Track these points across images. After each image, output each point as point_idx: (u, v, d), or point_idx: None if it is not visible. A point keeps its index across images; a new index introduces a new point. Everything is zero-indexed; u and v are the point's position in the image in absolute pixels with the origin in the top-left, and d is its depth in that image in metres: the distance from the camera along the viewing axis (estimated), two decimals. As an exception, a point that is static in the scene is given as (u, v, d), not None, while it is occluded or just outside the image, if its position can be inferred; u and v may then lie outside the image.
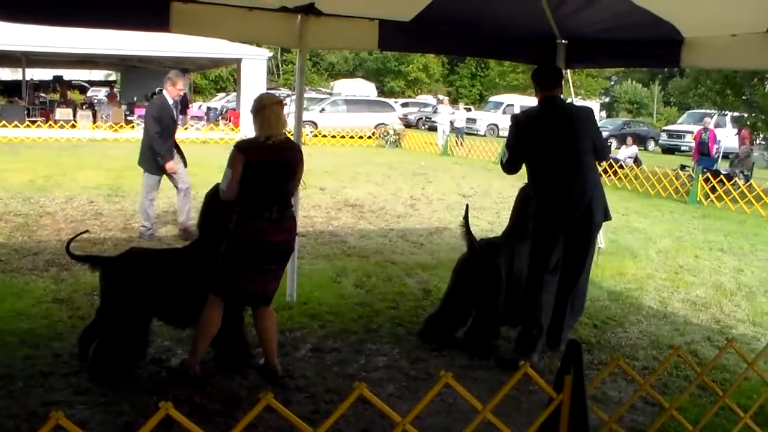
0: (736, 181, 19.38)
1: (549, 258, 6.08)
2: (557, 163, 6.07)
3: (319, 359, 5.98)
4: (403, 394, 5.38)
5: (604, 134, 35.93)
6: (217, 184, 5.38)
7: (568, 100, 8.80)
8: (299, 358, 5.97)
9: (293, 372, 5.62)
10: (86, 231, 7.05)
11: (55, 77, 41.22)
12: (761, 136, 22.60)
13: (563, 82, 8.13)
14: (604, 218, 6.30)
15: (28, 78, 34.89)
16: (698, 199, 17.69)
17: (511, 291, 6.29)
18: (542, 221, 6.15)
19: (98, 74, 52.37)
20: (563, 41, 7.87)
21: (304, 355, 6.06)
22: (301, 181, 5.63)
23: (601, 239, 9.87)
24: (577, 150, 6.11)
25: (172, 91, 10.19)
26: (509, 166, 6.38)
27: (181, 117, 10.67)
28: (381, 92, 58.90)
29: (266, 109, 5.24)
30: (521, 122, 6.48)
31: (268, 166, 5.17)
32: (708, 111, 26.31)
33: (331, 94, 47.84)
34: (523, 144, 6.24)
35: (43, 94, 35.95)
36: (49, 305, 6.89)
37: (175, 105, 10.33)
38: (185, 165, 10.53)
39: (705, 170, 18.90)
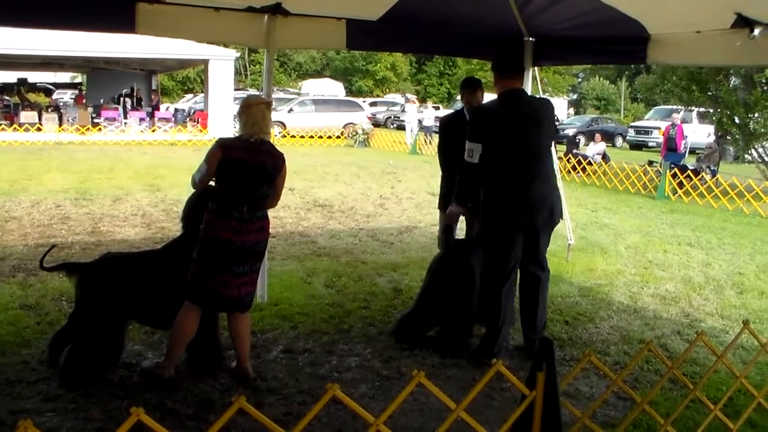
0: (703, 176, 19.60)
1: (508, 260, 5.93)
2: (520, 162, 5.84)
3: (291, 360, 5.95)
4: (375, 394, 5.37)
5: (572, 131, 36.27)
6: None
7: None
8: (271, 360, 5.94)
9: (265, 374, 5.59)
10: (54, 246, 6.95)
11: (19, 80, 40.70)
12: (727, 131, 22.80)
13: (531, 80, 8.21)
14: (560, 218, 6.16)
15: (-9, 81, 34.46)
16: (666, 194, 17.87)
17: (484, 290, 6.26)
18: (502, 222, 5.91)
19: (64, 76, 51.76)
20: (530, 39, 7.92)
21: (276, 356, 6.03)
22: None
23: (571, 235, 9.93)
24: (540, 148, 5.93)
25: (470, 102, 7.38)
26: (479, 167, 5.86)
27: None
28: (349, 92, 58.91)
29: (252, 107, 5.20)
30: (484, 114, 6.09)
31: (243, 165, 5.12)
32: (674, 107, 26.51)
33: (299, 94, 47.71)
34: (485, 139, 5.83)
35: (7, 97, 35.45)
36: (16, 312, 6.79)
37: None
38: None
39: (672, 166, 19.07)
